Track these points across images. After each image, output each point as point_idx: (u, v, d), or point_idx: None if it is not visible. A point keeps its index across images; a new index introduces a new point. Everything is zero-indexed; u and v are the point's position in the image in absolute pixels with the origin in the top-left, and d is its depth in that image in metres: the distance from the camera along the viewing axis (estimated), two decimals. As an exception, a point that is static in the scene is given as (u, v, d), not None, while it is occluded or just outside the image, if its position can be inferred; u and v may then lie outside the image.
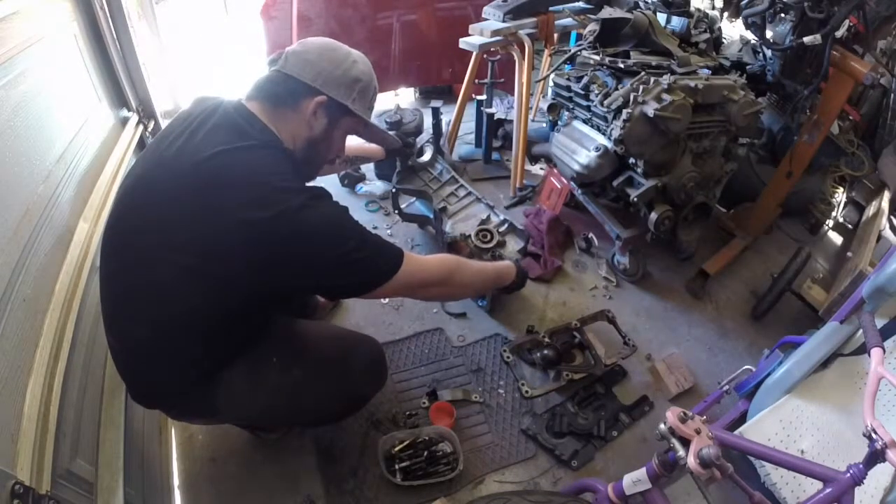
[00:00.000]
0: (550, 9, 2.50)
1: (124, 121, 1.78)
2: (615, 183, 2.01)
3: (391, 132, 1.93)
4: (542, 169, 2.87)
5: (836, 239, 2.68)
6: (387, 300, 2.06)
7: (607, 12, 2.13)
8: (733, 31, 2.51)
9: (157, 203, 1.00)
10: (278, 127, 1.11)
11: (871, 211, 2.44)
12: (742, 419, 1.51)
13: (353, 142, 1.76)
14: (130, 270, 1.04)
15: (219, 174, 0.98)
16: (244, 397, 1.17)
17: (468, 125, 3.04)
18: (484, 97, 2.80)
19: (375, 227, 2.43)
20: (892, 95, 2.42)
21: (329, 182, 2.71)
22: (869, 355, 1.00)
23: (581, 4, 2.59)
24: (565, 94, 2.16)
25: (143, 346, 1.08)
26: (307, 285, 1.18)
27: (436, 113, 2.53)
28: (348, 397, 1.36)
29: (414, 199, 2.34)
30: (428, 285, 1.24)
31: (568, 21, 2.52)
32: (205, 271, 0.99)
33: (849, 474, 0.93)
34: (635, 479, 1.05)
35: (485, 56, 2.53)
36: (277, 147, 1.10)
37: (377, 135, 1.41)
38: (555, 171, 2.44)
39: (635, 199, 1.92)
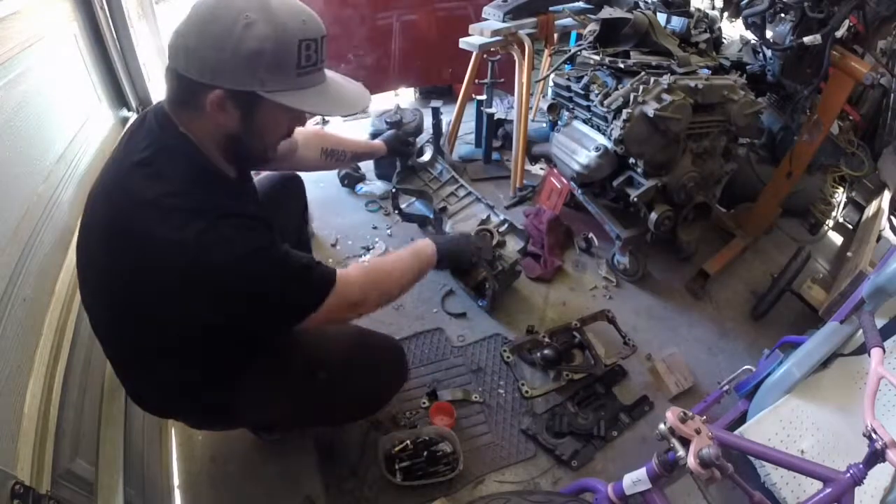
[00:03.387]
0: (550, 9, 2.50)
1: (124, 121, 1.78)
2: (615, 183, 2.01)
3: (390, 131, 1.93)
4: (542, 169, 2.86)
5: (836, 239, 2.68)
6: (387, 300, 2.06)
7: (607, 12, 2.13)
8: (733, 31, 2.51)
9: (88, 224, 0.97)
10: (191, 129, 0.92)
11: (871, 211, 2.44)
12: (742, 419, 1.51)
13: (355, 139, 1.76)
14: (95, 293, 1.00)
15: (124, 190, 0.89)
16: (267, 404, 1.16)
17: (468, 125, 3.04)
18: (484, 97, 2.80)
19: (375, 227, 2.44)
20: (892, 95, 2.41)
21: (329, 182, 2.71)
22: (869, 355, 1.00)
23: (581, 4, 2.59)
24: (565, 94, 2.16)
25: (132, 367, 1.06)
26: (222, 321, 0.96)
27: (436, 113, 2.53)
28: (372, 398, 1.34)
29: (414, 199, 2.34)
30: (360, 303, 1.08)
31: (568, 21, 2.52)
32: (130, 301, 0.93)
33: (849, 474, 0.93)
34: (635, 479, 1.05)
35: (485, 56, 2.53)
36: (190, 154, 0.92)
37: (300, 104, 0.93)
38: (555, 171, 2.44)
39: (635, 199, 1.92)
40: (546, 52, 2.93)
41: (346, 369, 1.20)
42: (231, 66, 0.83)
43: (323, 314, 0.99)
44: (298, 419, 1.33)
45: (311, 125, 3.02)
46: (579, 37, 2.79)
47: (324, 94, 0.94)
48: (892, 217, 2.33)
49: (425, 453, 1.48)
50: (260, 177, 1.44)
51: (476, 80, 2.63)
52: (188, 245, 0.84)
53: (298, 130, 1.13)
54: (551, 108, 2.29)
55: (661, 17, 2.16)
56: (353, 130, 3.23)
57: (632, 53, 2.00)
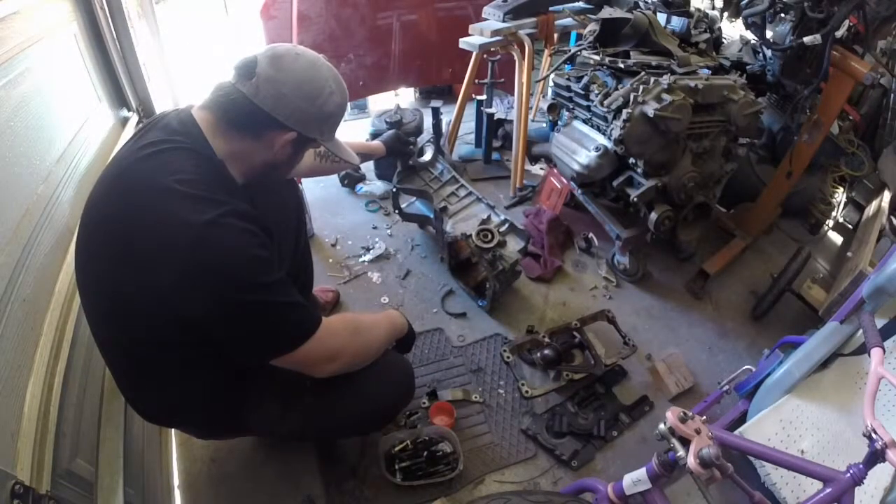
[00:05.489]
0: (550, 9, 2.50)
1: (124, 121, 1.78)
2: (615, 183, 2.01)
3: (390, 132, 1.94)
4: (542, 169, 2.87)
5: (836, 239, 2.68)
6: (387, 299, 2.06)
7: (607, 12, 2.13)
8: (733, 31, 2.51)
9: (92, 219, 0.98)
10: (221, 141, 1.01)
11: (871, 211, 2.44)
12: (742, 419, 1.51)
13: (354, 140, 1.75)
14: (96, 293, 1.01)
15: (136, 177, 0.93)
16: (277, 420, 1.16)
17: (468, 125, 3.04)
18: (484, 97, 2.80)
19: (375, 227, 2.44)
20: (892, 95, 2.41)
21: (329, 182, 2.72)
22: (869, 355, 1.00)
23: (581, 4, 2.59)
24: (565, 94, 2.16)
25: (132, 375, 1.07)
26: (209, 323, 0.94)
27: (436, 113, 2.53)
28: (380, 416, 1.34)
29: (414, 198, 2.34)
30: (335, 357, 1.06)
31: (568, 21, 2.52)
32: (129, 295, 0.93)
33: (849, 474, 0.93)
34: (635, 479, 1.05)
35: (485, 56, 2.53)
36: (206, 154, 0.99)
37: (339, 150, 1.19)
38: (555, 171, 2.44)
39: (635, 199, 1.92)
40: (546, 52, 2.93)
41: (355, 391, 1.19)
42: (312, 119, 1.04)
43: (298, 356, 0.99)
44: (303, 435, 1.33)
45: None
46: (579, 37, 2.79)
47: (342, 145, 1.20)
48: (893, 217, 2.33)
49: (425, 453, 1.48)
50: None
51: (476, 80, 2.63)
52: (196, 228, 0.87)
53: None
54: (551, 108, 2.29)
55: (661, 17, 2.16)
56: (354, 131, 3.23)
57: (632, 53, 2.00)
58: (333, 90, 1.05)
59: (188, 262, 0.87)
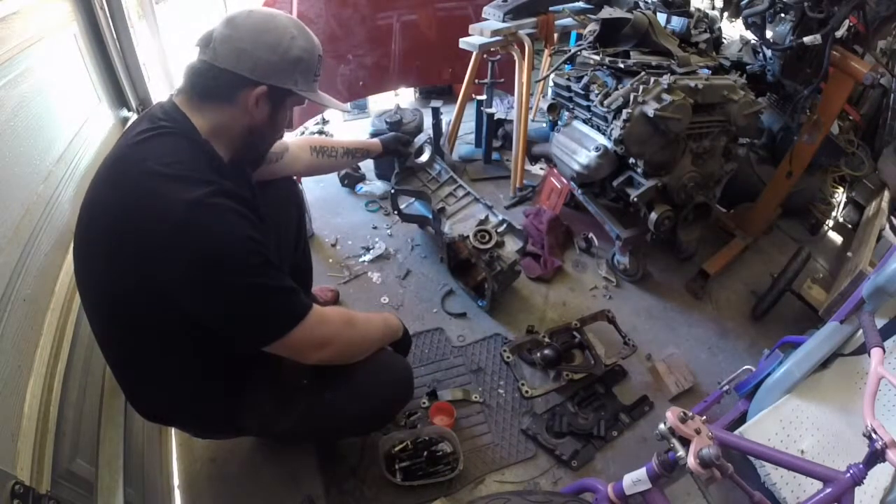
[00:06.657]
0: (550, 9, 2.50)
1: (124, 121, 1.78)
2: (615, 183, 2.01)
3: (391, 133, 1.94)
4: (542, 169, 2.87)
5: (836, 239, 2.68)
6: (387, 299, 2.06)
7: (607, 12, 2.13)
8: (733, 31, 2.51)
9: (85, 211, 0.99)
10: (205, 119, 1.01)
11: (871, 211, 2.44)
12: (742, 419, 1.51)
13: (352, 137, 1.75)
14: (93, 288, 1.01)
15: (124, 165, 0.94)
16: (273, 420, 1.16)
17: (468, 125, 3.04)
18: (484, 97, 2.80)
19: (375, 227, 2.44)
20: (892, 95, 2.41)
21: (329, 182, 2.72)
22: (869, 355, 1.00)
23: (581, 4, 2.59)
24: (565, 94, 2.16)
25: (130, 371, 1.07)
26: (192, 311, 0.95)
27: (436, 113, 2.53)
28: (378, 417, 1.35)
29: (413, 199, 2.34)
30: (326, 344, 1.06)
31: (568, 21, 2.52)
32: (119, 282, 0.94)
33: (849, 474, 0.93)
34: (635, 479, 1.05)
35: (485, 56, 2.53)
36: (191, 136, 0.98)
37: (321, 100, 1.18)
38: (555, 171, 2.44)
39: (635, 199, 1.92)
40: (546, 52, 2.93)
41: (352, 391, 1.19)
42: (279, 67, 1.01)
43: (289, 341, 0.98)
44: (300, 436, 1.33)
45: (313, 124, 3.03)
46: (579, 37, 2.79)
47: (325, 96, 1.17)
48: (893, 217, 2.33)
49: (425, 453, 1.48)
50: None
51: (476, 80, 2.64)
52: (183, 206, 0.86)
53: (288, 137, 1.21)
54: (551, 108, 2.29)
55: (661, 17, 2.16)
56: (354, 130, 3.23)
57: (632, 53, 2.00)
58: (295, 35, 1.02)
59: (174, 241, 0.87)
